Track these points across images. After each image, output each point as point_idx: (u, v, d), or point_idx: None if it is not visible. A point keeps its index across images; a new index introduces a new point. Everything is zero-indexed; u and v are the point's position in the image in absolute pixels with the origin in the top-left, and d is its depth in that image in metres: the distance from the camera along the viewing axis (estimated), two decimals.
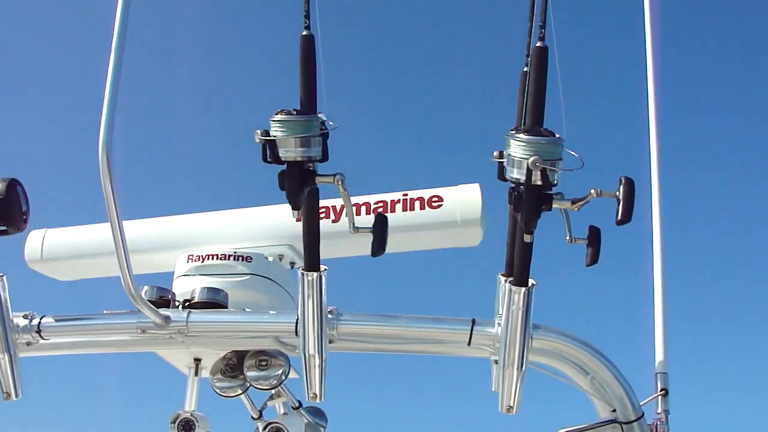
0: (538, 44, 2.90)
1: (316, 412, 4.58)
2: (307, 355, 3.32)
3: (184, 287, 4.00)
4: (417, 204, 4.17)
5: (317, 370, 3.33)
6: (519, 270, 3.08)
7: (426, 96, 11.72)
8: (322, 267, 3.21)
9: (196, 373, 4.21)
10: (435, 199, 4.15)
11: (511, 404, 3.29)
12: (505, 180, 2.92)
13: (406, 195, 4.20)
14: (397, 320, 3.45)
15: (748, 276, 11.80)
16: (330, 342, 3.38)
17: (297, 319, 3.34)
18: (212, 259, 4.14)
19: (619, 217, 2.83)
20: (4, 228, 3.39)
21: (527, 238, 2.92)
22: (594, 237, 3.05)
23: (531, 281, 3.11)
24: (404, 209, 4.17)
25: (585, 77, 10.18)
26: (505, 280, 3.17)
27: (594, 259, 3.08)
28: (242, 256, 4.14)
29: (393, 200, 4.20)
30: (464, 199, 4.15)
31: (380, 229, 3.07)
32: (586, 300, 10.60)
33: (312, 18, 3.01)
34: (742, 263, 11.82)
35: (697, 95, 11.53)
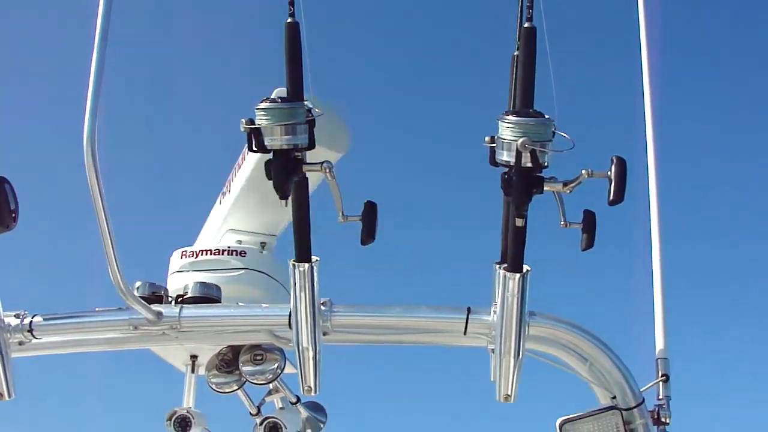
0: (526, 25, 2.86)
1: (315, 407, 4.55)
2: (300, 347, 3.28)
3: (178, 283, 3.98)
4: None
5: (311, 362, 3.29)
6: (513, 256, 3.03)
7: (416, 86, 11.70)
8: (314, 258, 3.16)
9: (193, 370, 4.18)
10: None
11: (509, 393, 3.25)
12: (497, 165, 2.88)
13: None
14: (392, 310, 3.41)
15: (751, 259, 11.71)
16: (324, 334, 3.34)
17: (290, 311, 3.30)
18: (206, 254, 4.12)
19: (611, 198, 2.79)
20: None
21: (519, 222, 2.88)
22: (589, 221, 3.00)
23: (525, 267, 3.06)
24: None
25: (578, 57, 10.14)
26: (500, 267, 3.12)
27: (589, 244, 3.04)
28: (236, 251, 4.11)
29: None
30: None
31: (369, 216, 3.02)
32: (584, 286, 10.56)
33: (296, 5, 2.97)
34: (744, 245, 11.75)
35: (694, 70, 11.48)
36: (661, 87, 4.23)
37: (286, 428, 3.93)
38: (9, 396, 3.45)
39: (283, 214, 3.32)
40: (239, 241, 4.33)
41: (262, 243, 4.29)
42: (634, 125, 4.23)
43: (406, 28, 11.54)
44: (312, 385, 3.33)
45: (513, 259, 3.04)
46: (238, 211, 4.38)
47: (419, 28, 11.50)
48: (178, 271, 4.11)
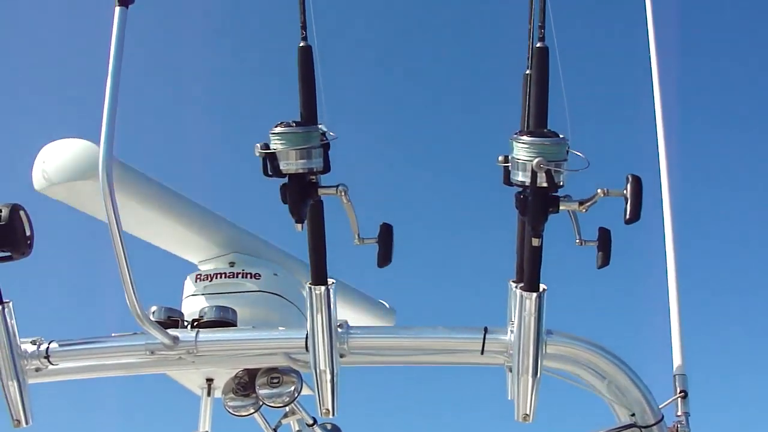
0: (538, 45, 2.87)
1: (333, 429, 4.53)
2: (318, 370, 3.28)
3: (193, 307, 3.97)
4: None
5: (329, 385, 3.29)
6: (529, 275, 3.03)
7: (427, 104, 11.72)
8: (330, 280, 3.17)
9: (209, 393, 4.18)
10: None
11: (528, 412, 3.23)
12: (511, 185, 2.88)
13: None
14: (408, 332, 3.41)
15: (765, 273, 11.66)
16: (341, 356, 3.33)
17: (306, 334, 3.29)
18: (220, 277, 4.12)
19: (627, 216, 2.79)
20: (8, 254, 3.36)
21: (535, 242, 2.87)
22: (604, 239, 3.01)
23: (542, 286, 3.06)
24: None
25: (590, 76, 10.15)
26: (516, 286, 3.12)
27: (605, 261, 3.04)
28: (250, 273, 4.11)
29: None
30: None
31: (385, 239, 3.03)
32: (600, 303, 10.53)
33: (309, 28, 2.99)
34: (757, 262, 11.71)
35: (705, 90, 11.45)
36: (673, 104, 4.24)
37: None
38: (26, 423, 3.45)
39: None
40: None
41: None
42: (648, 142, 4.24)
43: (418, 46, 11.60)
44: (330, 408, 3.32)
45: (530, 279, 3.04)
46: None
47: (431, 44, 11.55)
48: (193, 295, 4.10)
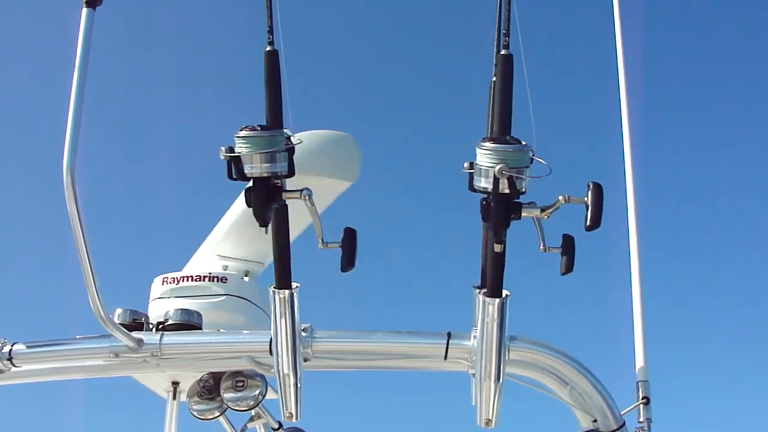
0: (503, 52, 2.89)
1: None
2: (281, 374, 3.28)
3: (159, 310, 3.96)
4: None
5: (292, 389, 3.29)
6: (492, 281, 3.05)
7: (395, 109, 11.75)
8: (294, 284, 3.17)
9: (174, 397, 4.16)
10: None
11: (490, 417, 3.26)
12: (475, 191, 2.90)
13: None
14: (372, 336, 3.42)
15: (730, 282, 11.78)
16: (305, 360, 3.34)
17: (271, 338, 3.30)
18: (187, 281, 4.11)
19: (588, 223, 2.81)
20: None
21: (497, 248, 2.89)
22: (568, 245, 3.02)
23: (505, 292, 3.08)
24: None
25: (556, 83, 10.23)
26: (479, 292, 3.14)
27: (569, 268, 3.06)
28: (217, 277, 4.11)
29: None
30: None
31: (349, 243, 3.03)
32: (564, 309, 10.59)
33: (275, 33, 2.99)
34: (723, 267, 11.82)
35: (671, 94, 11.59)
36: (639, 112, 4.28)
37: None
38: None
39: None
40: (225, 267, 4.33)
41: (246, 271, 4.28)
42: (612, 149, 4.27)
43: (385, 53, 11.62)
44: (293, 412, 3.33)
45: (492, 285, 3.06)
46: (228, 238, 4.38)
47: (398, 53, 11.58)
48: (159, 298, 4.10)
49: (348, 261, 3.02)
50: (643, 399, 3.68)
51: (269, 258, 4.30)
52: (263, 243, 4.04)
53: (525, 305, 3.52)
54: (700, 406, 10.84)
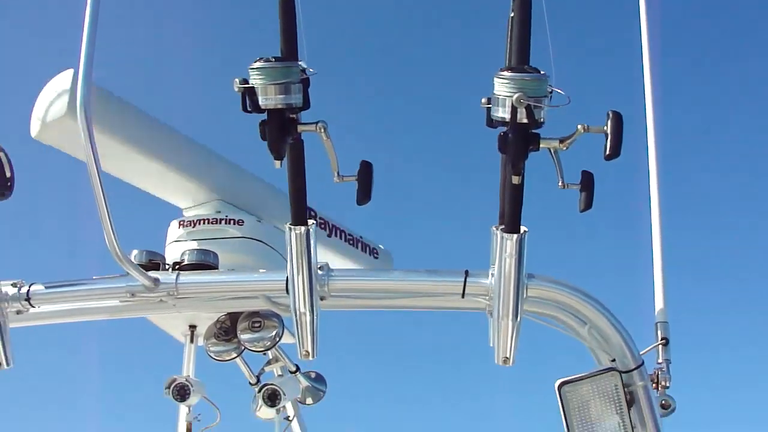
0: None
1: (316, 377, 4.55)
2: (298, 313, 3.26)
3: (175, 253, 3.95)
4: None
5: (309, 327, 3.27)
6: (510, 216, 3.01)
7: (412, 41, 11.59)
8: (310, 221, 3.14)
9: (192, 340, 4.18)
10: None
11: (508, 355, 3.23)
12: (493, 125, 2.86)
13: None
14: (389, 274, 3.42)
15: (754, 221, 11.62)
16: (321, 299, 3.31)
17: (287, 277, 3.28)
18: (203, 223, 4.10)
19: (607, 152, 2.77)
20: None
21: (516, 180, 2.85)
22: (587, 181, 2.99)
23: (523, 228, 3.04)
24: None
25: (575, 13, 10.03)
26: (497, 229, 3.10)
27: (588, 205, 3.02)
28: (234, 220, 4.09)
29: None
30: None
31: (365, 176, 3.00)
32: (583, 250, 10.52)
33: None
34: (744, 208, 11.68)
35: (694, 28, 11.40)
36: (659, 41, 4.18)
37: (285, 395, 3.91)
38: (8, 365, 3.45)
39: None
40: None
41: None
42: (634, 83, 4.19)
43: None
44: (310, 350, 3.30)
45: (510, 220, 3.02)
46: None
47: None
48: (176, 241, 4.09)
49: (364, 194, 3.00)
50: (662, 340, 3.65)
51: None
52: None
53: (543, 244, 3.48)
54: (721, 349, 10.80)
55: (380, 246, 4.95)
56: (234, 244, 4.04)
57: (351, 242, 4.64)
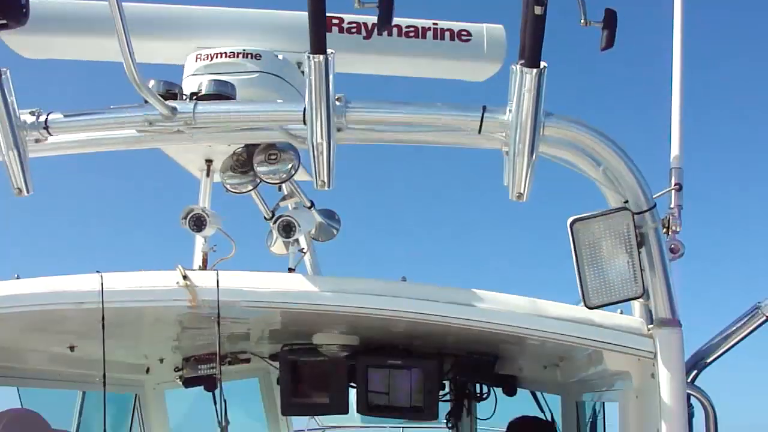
0: None
1: (329, 214, 4.60)
2: (315, 143, 3.27)
3: (193, 86, 3.91)
4: (447, 34, 4.39)
5: (325, 157, 3.28)
6: (530, 49, 2.97)
7: None
8: (329, 50, 3.11)
9: (208, 174, 4.21)
10: (464, 33, 4.42)
11: (522, 191, 3.24)
12: None
13: (436, 24, 4.40)
14: (408, 107, 3.36)
15: None
16: (338, 130, 3.31)
17: (304, 107, 3.27)
18: (221, 57, 4.05)
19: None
20: (4, 22, 3.29)
21: (538, 10, 2.81)
22: (610, 19, 2.96)
23: (543, 63, 3.01)
24: (434, 37, 4.37)
25: None
26: (516, 64, 3.07)
27: (609, 43, 3.00)
28: (252, 54, 4.04)
29: (424, 27, 4.37)
30: (491, 36, 4.43)
31: (386, 1, 2.95)
32: (602, 95, 10.44)
33: None
34: None
35: None
36: None
37: (299, 227, 3.94)
38: (28, 192, 3.48)
39: None
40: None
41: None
42: None
43: None
44: (325, 179, 3.32)
45: (531, 54, 2.98)
46: None
47: None
48: (193, 75, 4.04)
49: (385, 20, 2.96)
50: (675, 185, 3.66)
51: None
52: None
53: (562, 88, 3.45)
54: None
55: None
56: (251, 79, 3.99)
57: None
